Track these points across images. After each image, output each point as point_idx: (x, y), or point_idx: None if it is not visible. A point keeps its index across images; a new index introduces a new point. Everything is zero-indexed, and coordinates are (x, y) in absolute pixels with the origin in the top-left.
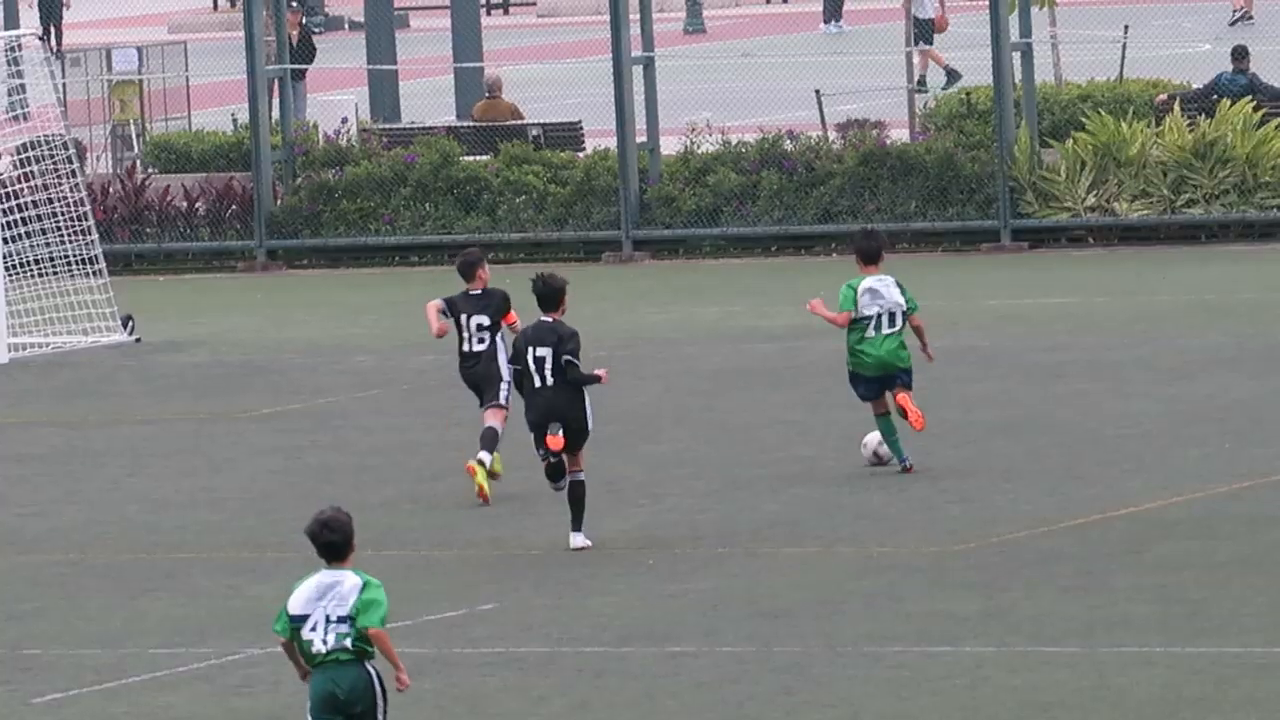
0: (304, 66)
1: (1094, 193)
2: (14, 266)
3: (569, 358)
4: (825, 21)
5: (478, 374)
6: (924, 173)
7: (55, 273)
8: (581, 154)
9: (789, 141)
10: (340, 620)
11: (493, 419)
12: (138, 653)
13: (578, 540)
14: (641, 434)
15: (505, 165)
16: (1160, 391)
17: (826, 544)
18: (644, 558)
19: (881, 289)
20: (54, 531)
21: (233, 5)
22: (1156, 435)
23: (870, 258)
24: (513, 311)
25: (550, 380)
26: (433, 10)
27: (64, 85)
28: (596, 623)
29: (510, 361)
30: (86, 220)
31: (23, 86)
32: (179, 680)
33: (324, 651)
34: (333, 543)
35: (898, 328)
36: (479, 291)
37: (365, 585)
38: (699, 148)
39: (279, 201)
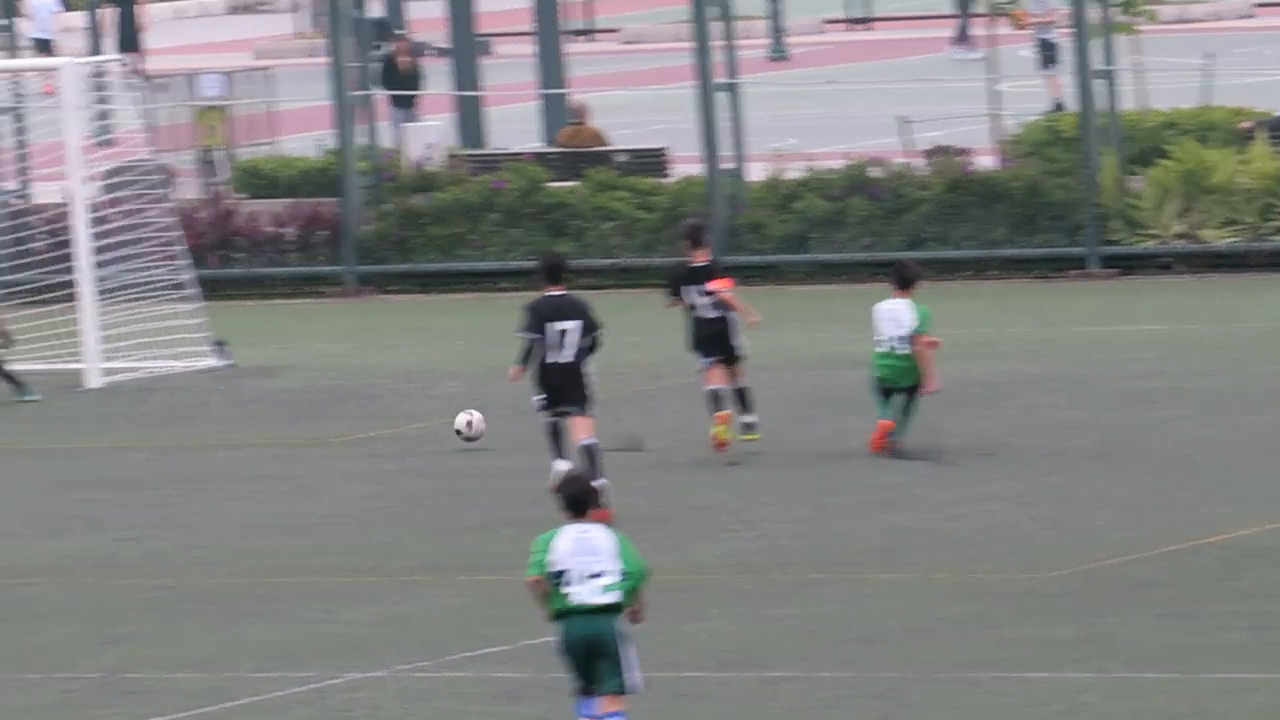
0: (411, 93)
1: (1181, 219)
2: (105, 291)
3: (597, 332)
4: (954, 44)
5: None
6: (1011, 200)
7: (147, 298)
8: (666, 180)
9: (876, 168)
10: (596, 575)
11: (733, 380)
12: (236, 677)
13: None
14: (733, 459)
15: (593, 191)
16: (1250, 419)
17: (921, 570)
18: (739, 583)
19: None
20: (150, 556)
21: (317, 31)
22: (1247, 462)
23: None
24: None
25: (569, 355)
26: (516, 37)
27: (151, 110)
28: (694, 648)
29: (525, 330)
30: (176, 245)
31: (109, 112)
32: (278, 705)
33: (580, 603)
34: (577, 498)
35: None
36: (698, 264)
37: (620, 539)
38: (785, 174)
39: (366, 227)
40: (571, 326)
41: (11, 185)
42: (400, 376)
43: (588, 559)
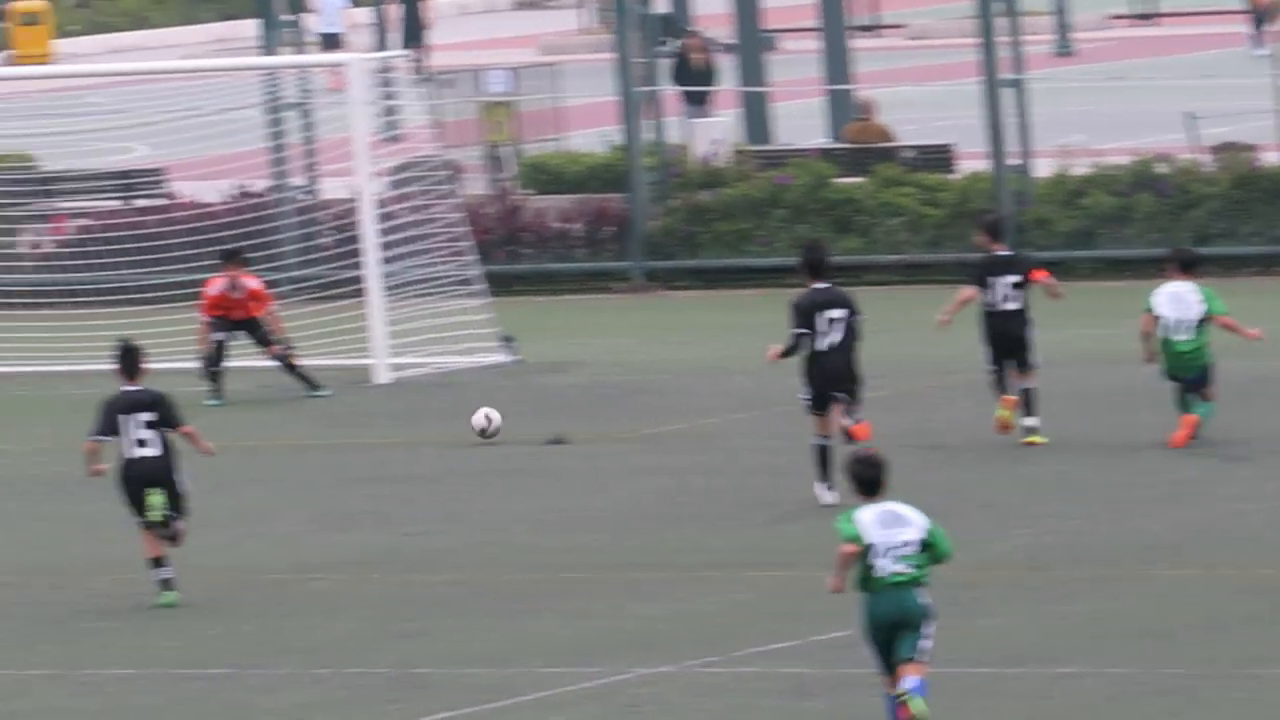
0: (704, 89)
1: None
2: (393, 287)
3: (859, 319)
4: (1251, 40)
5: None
6: None
7: (434, 293)
8: (952, 176)
9: (1162, 164)
10: (900, 546)
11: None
12: (524, 672)
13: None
14: (1021, 455)
15: (879, 187)
16: None
17: (1208, 566)
18: (1026, 579)
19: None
20: (438, 552)
21: (603, 26)
22: None
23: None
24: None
25: (838, 343)
26: (802, 33)
27: (438, 106)
28: (982, 644)
29: (796, 327)
30: (463, 241)
31: (395, 108)
32: (566, 700)
33: (888, 576)
34: (870, 478)
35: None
36: (1006, 253)
37: (922, 514)
38: (1071, 170)
39: (653, 223)
40: (839, 315)
41: (299, 181)
42: (687, 372)
43: (893, 531)
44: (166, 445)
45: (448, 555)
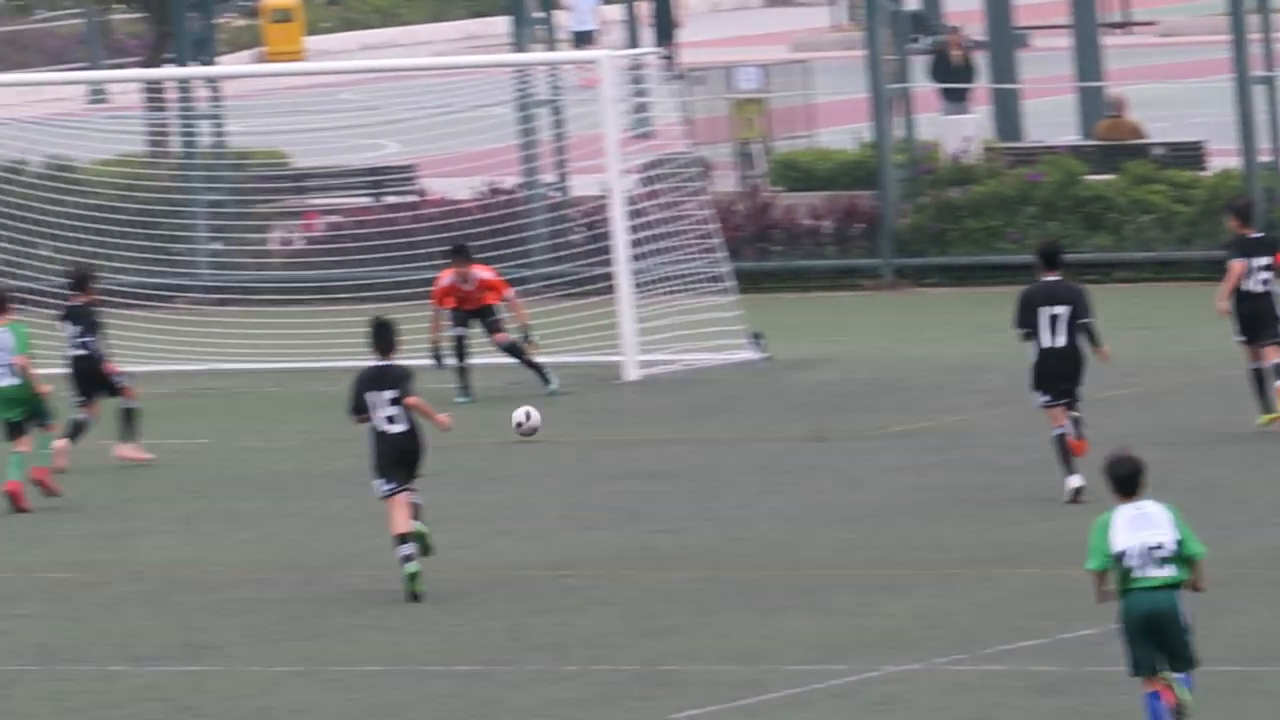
0: (963, 85)
1: None
2: (643, 284)
3: (1088, 320)
4: None
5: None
6: None
7: (683, 290)
8: (1203, 173)
9: None
10: (1155, 547)
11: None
12: (773, 670)
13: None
14: (1274, 453)
15: (1130, 184)
16: None
17: None
18: (1278, 577)
19: None
20: (689, 549)
21: (854, 24)
22: None
23: None
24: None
25: (1061, 339)
26: (1054, 30)
27: (688, 103)
28: (1230, 642)
29: (1018, 324)
30: (713, 238)
31: (646, 105)
32: (814, 698)
33: (1145, 580)
34: (1127, 477)
35: None
36: (1257, 235)
37: (1174, 514)
38: None
39: (903, 220)
40: (1062, 312)
41: (550, 178)
42: (937, 370)
43: (1146, 533)
44: (413, 419)
45: (697, 552)
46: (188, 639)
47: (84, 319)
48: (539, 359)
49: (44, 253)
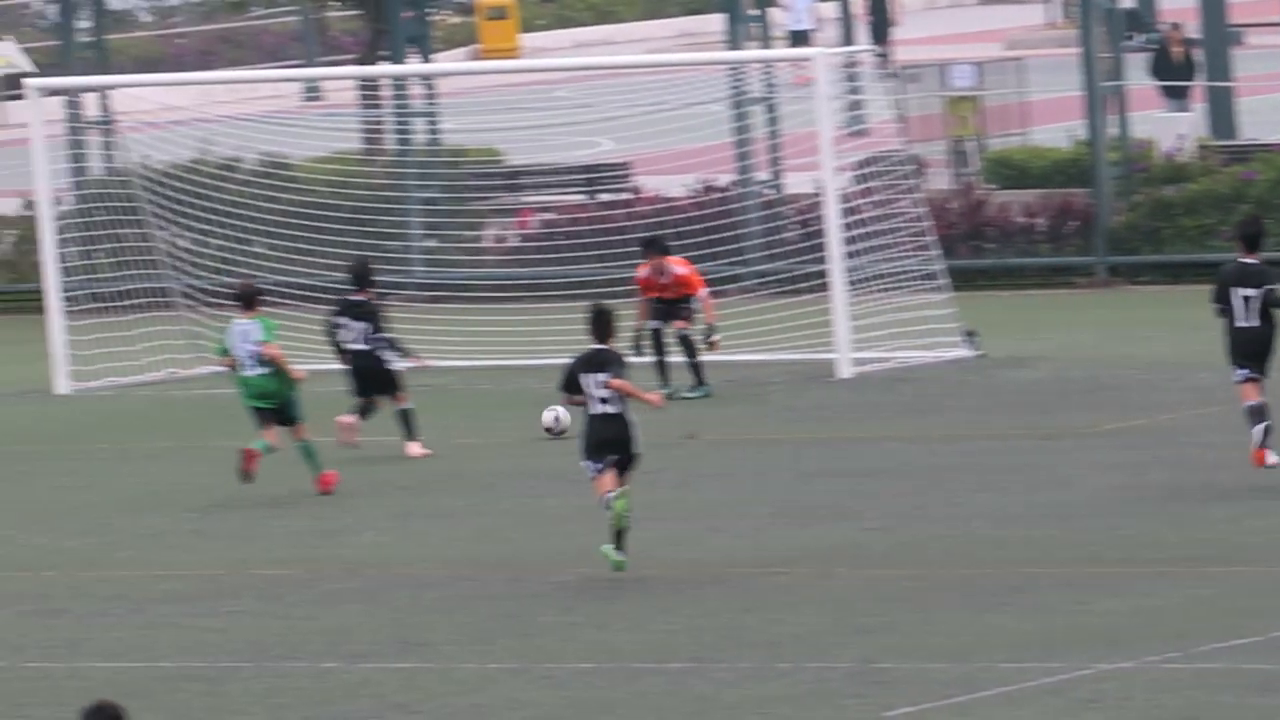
0: (1184, 84)
1: None
2: (856, 282)
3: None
4: None
5: None
6: None
7: (897, 288)
8: None
9: None
10: None
11: None
12: (986, 667)
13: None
14: None
15: None
16: None
17: None
18: None
19: None
20: (901, 546)
21: (1069, 21)
22: None
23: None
24: None
25: (1253, 319)
26: (1269, 28)
27: (903, 101)
28: None
29: (1214, 300)
30: (927, 236)
31: (860, 102)
32: (1027, 696)
33: None
34: None
35: None
36: None
37: None
38: None
39: (1117, 218)
40: (1254, 294)
41: (764, 176)
42: (1150, 368)
43: None
44: (625, 403)
45: (910, 549)
46: (400, 636)
47: (367, 315)
48: (704, 359)
49: (258, 249)
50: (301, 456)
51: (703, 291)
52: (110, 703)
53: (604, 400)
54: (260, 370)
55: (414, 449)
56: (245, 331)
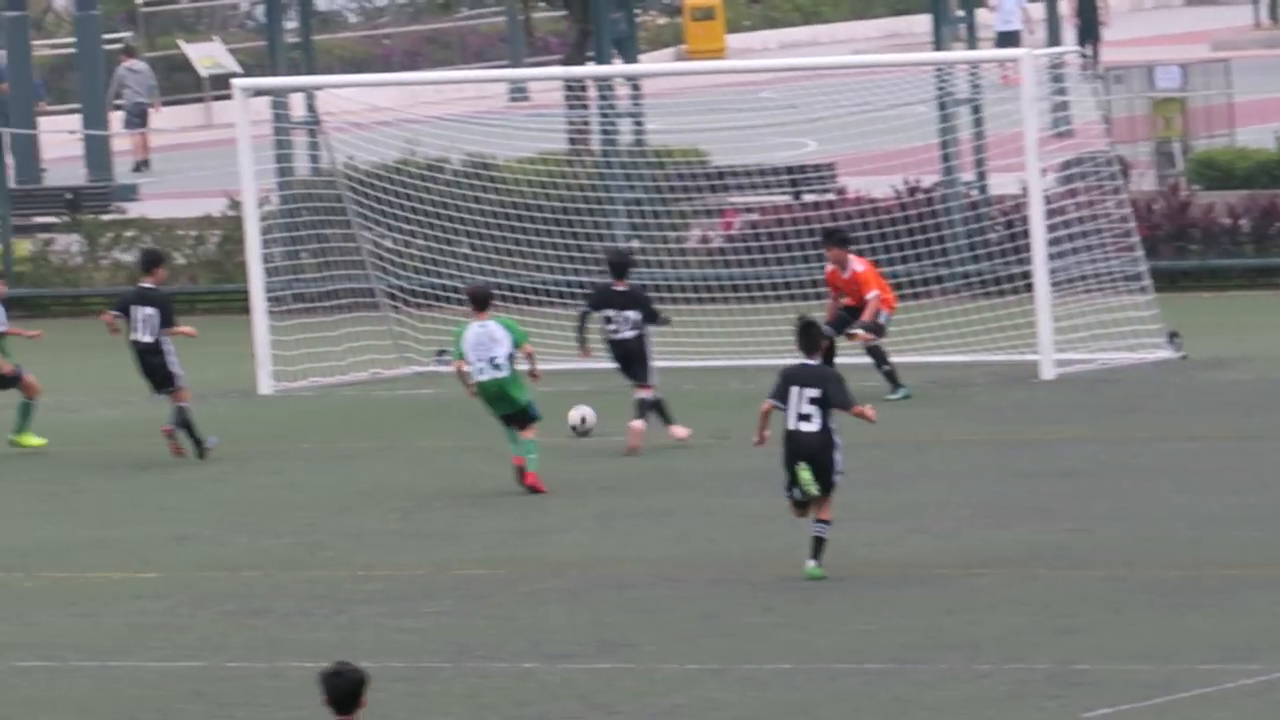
0: None
1: None
2: (1060, 283)
3: None
4: None
5: None
6: None
7: (1100, 289)
8: None
9: None
10: None
11: None
12: (1185, 669)
13: None
14: None
15: None
16: None
17: None
18: None
19: None
20: (1102, 547)
21: (1275, 23)
22: None
23: None
24: None
25: None
26: None
27: (1108, 102)
28: None
29: None
30: (1131, 237)
31: (1066, 103)
32: (1226, 697)
33: None
34: None
35: None
36: None
37: None
38: None
39: None
40: None
41: (968, 177)
42: None
43: None
44: (826, 423)
45: (1110, 550)
46: (601, 636)
47: (639, 304)
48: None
49: (463, 250)
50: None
51: (870, 294)
52: (350, 665)
53: (805, 417)
54: (499, 374)
55: (679, 431)
56: (487, 333)
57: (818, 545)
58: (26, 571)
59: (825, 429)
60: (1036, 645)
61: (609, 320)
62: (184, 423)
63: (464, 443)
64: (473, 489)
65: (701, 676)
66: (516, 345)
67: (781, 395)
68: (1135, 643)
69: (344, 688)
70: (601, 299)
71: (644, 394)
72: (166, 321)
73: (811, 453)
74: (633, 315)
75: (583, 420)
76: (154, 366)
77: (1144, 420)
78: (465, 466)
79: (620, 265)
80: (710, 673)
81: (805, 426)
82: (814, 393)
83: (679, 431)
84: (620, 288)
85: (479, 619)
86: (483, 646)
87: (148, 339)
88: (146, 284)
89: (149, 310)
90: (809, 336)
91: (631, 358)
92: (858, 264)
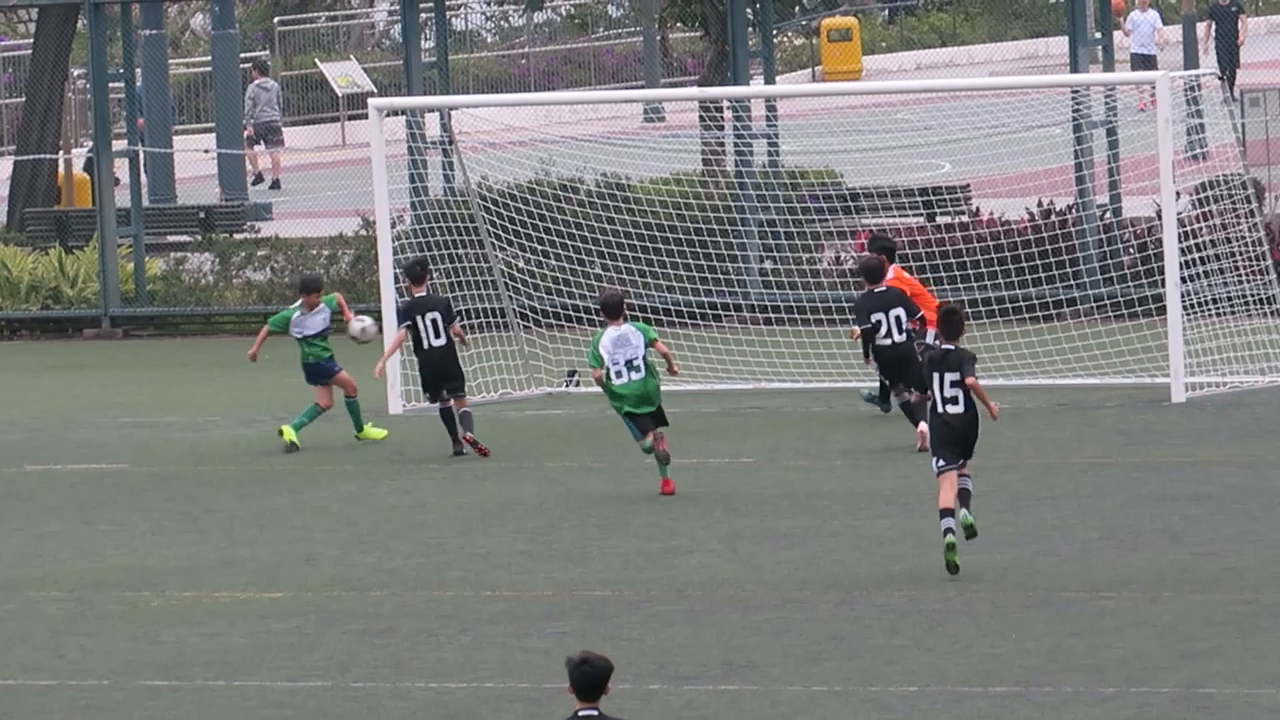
0: None
1: None
2: (1192, 305)
3: None
4: None
5: None
6: None
7: (1233, 312)
8: None
9: None
10: None
11: None
12: None
13: None
14: None
15: None
16: None
17: None
18: None
19: None
20: (1229, 571)
21: None
22: None
23: None
24: None
25: None
26: None
27: (1243, 125)
28: None
29: None
30: (1264, 260)
31: (1201, 126)
32: None
33: None
34: None
35: None
36: None
37: None
38: None
39: None
40: None
41: (1103, 199)
42: None
43: None
44: (971, 403)
45: (1238, 574)
46: (726, 658)
47: (904, 303)
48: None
49: (595, 270)
50: (657, 461)
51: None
52: (596, 654)
53: (951, 400)
54: (636, 375)
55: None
56: (623, 337)
57: (966, 497)
58: (154, 591)
59: (970, 408)
60: (1162, 669)
61: (879, 325)
62: (467, 421)
63: (592, 464)
64: (600, 510)
65: (826, 699)
66: (649, 344)
67: (925, 383)
68: (1262, 666)
69: (591, 675)
70: (868, 305)
71: (906, 397)
72: (449, 321)
73: (961, 433)
74: (898, 313)
75: (363, 331)
76: (448, 370)
77: (1275, 444)
78: (593, 488)
79: (875, 270)
80: (834, 695)
81: (952, 409)
82: (955, 376)
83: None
84: (880, 289)
85: (604, 640)
86: None
87: (440, 342)
88: (419, 293)
89: (434, 315)
90: (951, 322)
91: (904, 362)
92: (891, 273)
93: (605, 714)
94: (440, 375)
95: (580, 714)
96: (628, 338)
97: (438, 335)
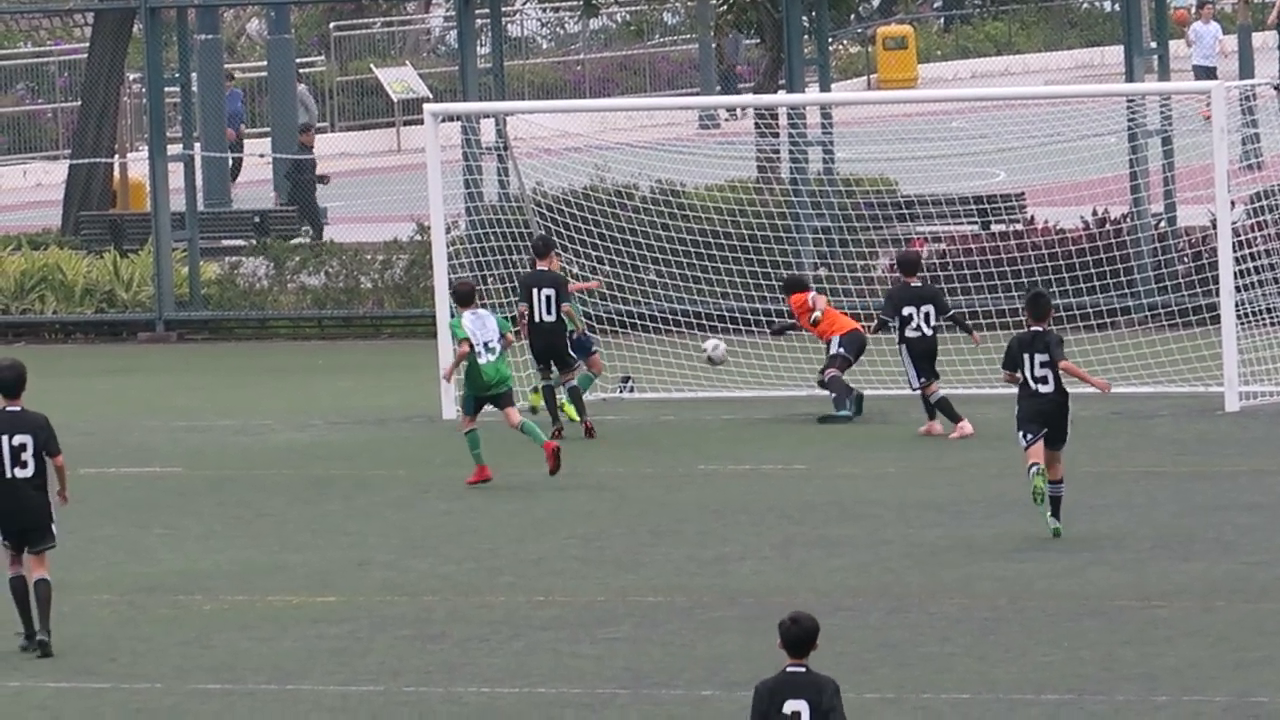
0: None
1: None
2: (1246, 315)
3: None
4: None
5: None
6: None
7: None
8: None
9: None
10: None
11: None
12: None
13: None
14: None
15: None
16: None
17: None
18: None
19: None
20: None
21: None
22: None
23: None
24: None
25: None
26: None
27: None
28: None
29: None
30: None
31: (1257, 135)
32: None
33: None
34: None
35: None
36: None
37: None
38: None
39: None
40: None
41: (1157, 208)
42: None
43: None
44: (1059, 382)
45: None
46: (778, 663)
47: (934, 299)
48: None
49: (649, 276)
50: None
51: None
52: (804, 613)
53: (1040, 379)
54: (491, 357)
55: (966, 427)
56: (480, 320)
57: (1056, 504)
58: (206, 594)
59: (1060, 389)
60: (1214, 678)
61: (909, 319)
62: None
63: (644, 470)
64: (652, 517)
65: (878, 706)
66: (502, 335)
67: (1014, 362)
68: None
69: (800, 634)
70: (901, 298)
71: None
72: (563, 299)
73: (1051, 412)
74: (929, 310)
75: (715, 347)
76: (555, 346)
77: None
78: (645, 494)
79: (912, 263)
80: (886, 702)
81: (1042, 389)
82: (1044, 357)
83: (966, 427)
84: (915, 283)
85: (655, 646)
86: (659, 673)
87: (550, 318)
88: (543, 267)
89: (549, 291)
90: (1038, 305)
91: (933, 354)
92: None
93: (813, 670)
94: (549, 350)
95: (788, 669)
96: (484, 320)
97: (549, 311)
